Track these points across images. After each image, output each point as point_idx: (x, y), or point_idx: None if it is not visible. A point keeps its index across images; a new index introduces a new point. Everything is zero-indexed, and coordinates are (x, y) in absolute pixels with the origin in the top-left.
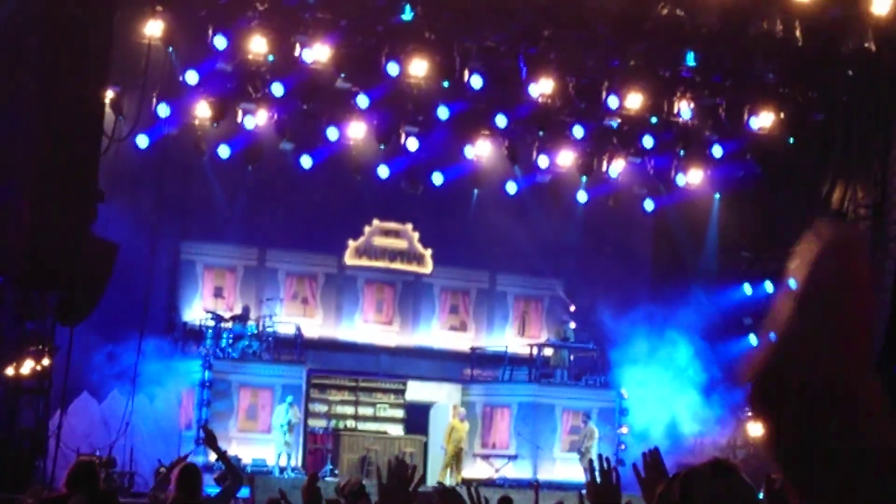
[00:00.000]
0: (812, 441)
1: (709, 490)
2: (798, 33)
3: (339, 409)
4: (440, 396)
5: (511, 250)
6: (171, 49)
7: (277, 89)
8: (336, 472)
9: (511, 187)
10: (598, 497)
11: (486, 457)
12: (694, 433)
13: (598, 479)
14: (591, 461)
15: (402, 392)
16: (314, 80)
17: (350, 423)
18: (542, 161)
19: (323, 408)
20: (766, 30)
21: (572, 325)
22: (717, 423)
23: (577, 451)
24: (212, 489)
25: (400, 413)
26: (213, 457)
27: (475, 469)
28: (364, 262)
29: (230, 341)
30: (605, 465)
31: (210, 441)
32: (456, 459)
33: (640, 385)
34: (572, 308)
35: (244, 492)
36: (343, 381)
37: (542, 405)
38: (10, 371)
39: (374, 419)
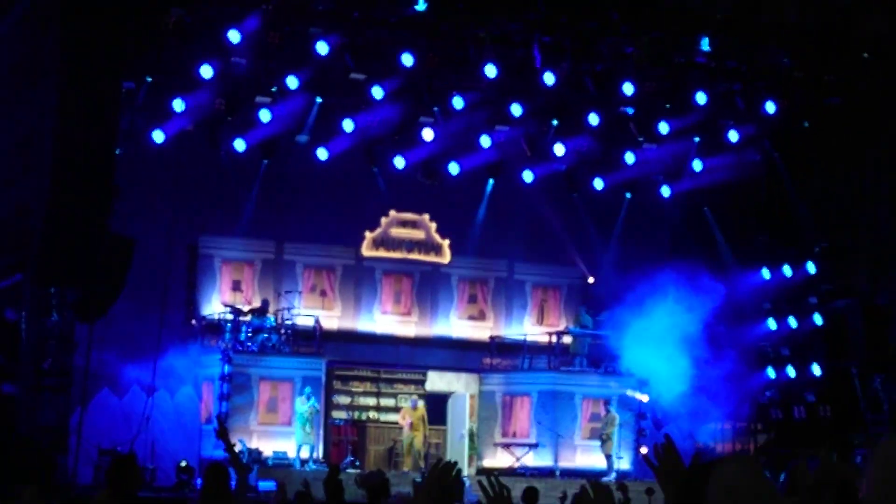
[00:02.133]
0: None
1: (730, 481)
2: (812, 17)
3: (362, 401)
4: (458, 386)
5: (528, 239)
6: (184, 44)
7: (292, 82)
8: (357, 463)
9: (527, 176)
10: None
11: (506, 446)
12: (714, 418)
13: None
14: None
15: (423, 382)
16: (328, 72)
17: (372, 415)
18: (558, 149)
19: (345, 399)
20: (780, 14)
21: (590, 313)
22: (738, 407)
23: (598, 437)
24: None
25: (420, 404)
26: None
27: (496, 458)
28: (381, 253)
29: (249, 335)
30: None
31: (222, 433)
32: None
33: (659, 371)
34: (591, 279)
35: (270, 484)
36: (365, 373)
37: (561, 393)
38: (29, 369)
39: (396, 410)
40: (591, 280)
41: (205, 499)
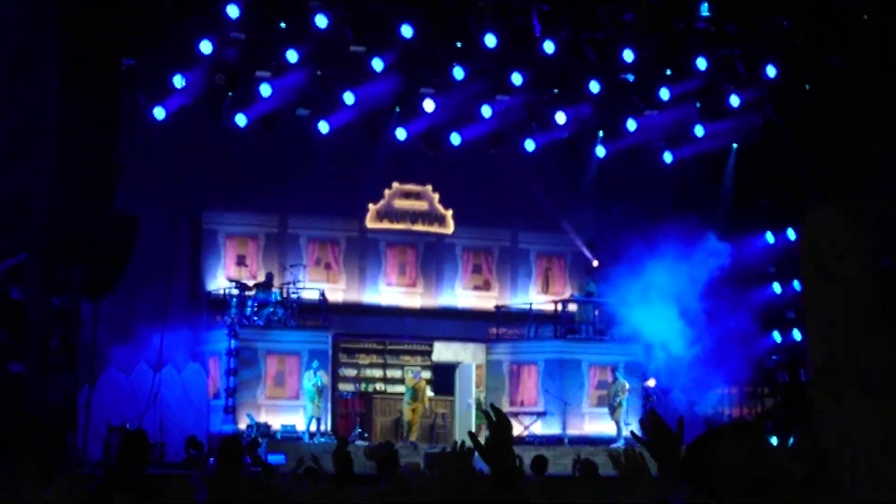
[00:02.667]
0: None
1: (731, 455)
2: None
3: (368, 373)
4: (465, 357)
5: (531, 208)
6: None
7: (292, 56)
8: (366, 435)
9: (529, 145)
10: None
11: (514, 414)
12: (721, 383)
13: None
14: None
15: (429, 353)
16: (328, 44)
17: (379, 387)
18: (560, 117)
19: (352, 372)
20: None
21: (595, 280)
22: (744, 371)
23: (608, 406)
24: None
25: (427, 375)
26: (242, 425)
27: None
28: (385, 224)
29: (255, 309)
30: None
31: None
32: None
33: (665, 336)
34: (595, 263)
35: (279, 458)
36: (371, 345)
37: (568, 361)
38: (36, 347)
39: (402, 381)
40: (595, 263)
41: (219, 474)
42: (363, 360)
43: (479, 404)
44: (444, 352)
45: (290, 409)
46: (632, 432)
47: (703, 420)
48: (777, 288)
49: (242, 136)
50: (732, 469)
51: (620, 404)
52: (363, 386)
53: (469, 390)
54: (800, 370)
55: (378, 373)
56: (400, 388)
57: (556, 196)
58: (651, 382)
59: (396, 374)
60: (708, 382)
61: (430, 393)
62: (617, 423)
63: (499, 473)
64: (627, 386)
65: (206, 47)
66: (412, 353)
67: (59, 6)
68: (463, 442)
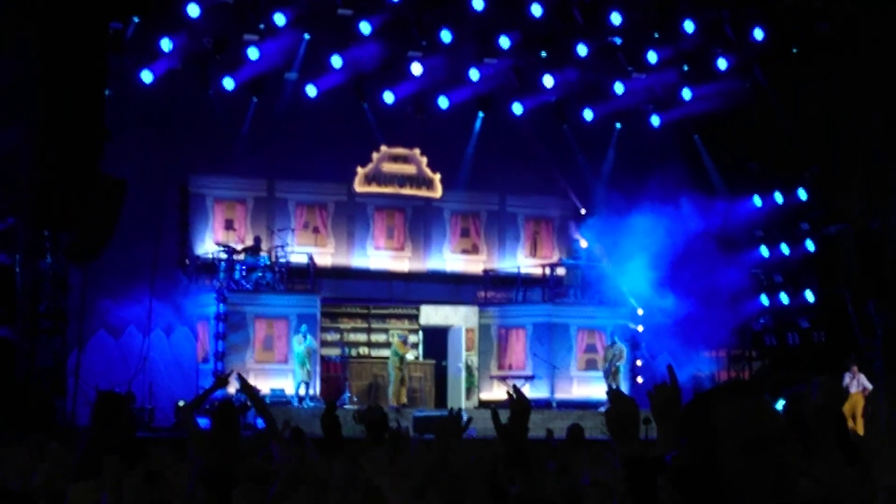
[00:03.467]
0: None
1: (729, 413)
2: None
3: (352, 337)
4: (456, 320)
5: (519, 171)
6: None
7: (279, 19)
8: (355, 399)
9: (517, 108)
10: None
11: (502, 378)
12: (709, 346)
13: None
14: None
15: (416, 317)
16: (315, 7)
17: (363, 351)
18: (547, 81)
19: (336, 336)
20: None
21: (584, 243)
22: (732, 335)
23: (603, 370)
24: None
25: (414, 338)
26: (232, 389)
27: (493, 391)
28: (374, 188)
29: (243, 273)
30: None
31: (247, 389)
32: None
33: (652, 300)
34: (583, 211)
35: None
36: (355, 309)
37: (556, 325)
38: (25, 312)
39: (387, 345)
40: (583, 212)
41: (216, 437)
42: (345, 324)
43: (468, 369)
44: (432, 315)
45: (278, 374)
46: (648, 392)
47: (690, 382)
48: (765, 251)
49: (230, 99)
50: (730, 428)
51: (618, 369)
52: (349, 350)
53: (460, 354)
54: (787, 333)
55: (362, 337)
56: (385, 353)
57: (544, 159)
58: (638, 363)
59: (381, 338)
60: (695, 345)
61: (410, 356)
62: (610, 388)
63: (513, 453)
64: (626, 351)
65: (193, 10)
66: (398, 317)
67: None
68: (459, 409)
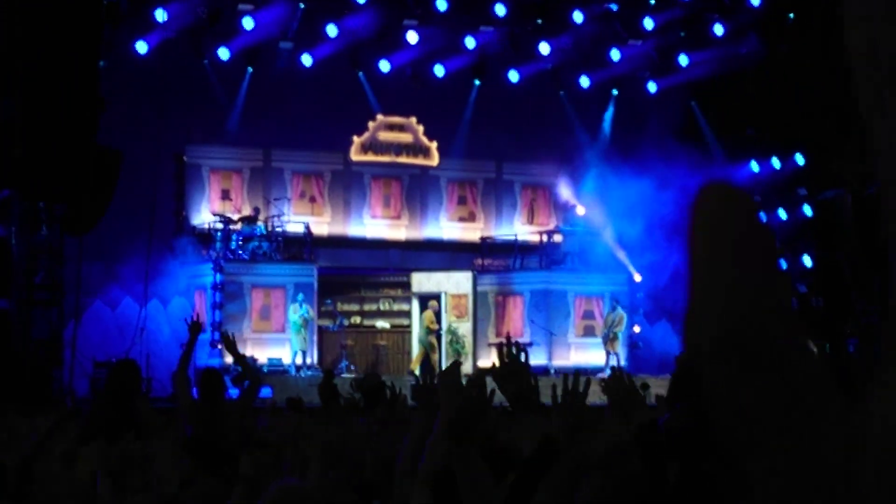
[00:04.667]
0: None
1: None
2: None
3: (347, 307)
4: (448, 286)
5: (516, 139)
6: None
7: None
8: (353, 367)
9: (513, 76)
10: (505, 377)
11: (500, 345)
12: None
13: (507, 360)
14: (500, 344)
15: (408, 285)
16: None
17: (356, 320)
18: (543, 48)
19: (331, 306)
20: None
21: (581, 210)
22: None
23: (602, 336)
24: (232, 391)
25: (406, 306)
26: (229, 359)
27: (490, 358)
28: (370, 157)
29: (240, 243)
30: (513, 347)
31: (228, 345)
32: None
33: (651, 266)
34: (578, 206)
35: (266, 391)
36: (348, 278)
37: (553, 292)
38: (21, 283)
39: (380, 314)
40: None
41: (202, 406)
42: (340, 293)
43: (454, 335)
44: (424, 282)
45: (276, 343)
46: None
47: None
48: (762, 216)
49: (225, 69)
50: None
51: (617, 336)
52: (345, 319)
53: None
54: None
55: (355, 306)
56: (378, 322)
57: (541, 127)
58: (636, 329)
59: (373, 307)
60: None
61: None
62: (608, 354)
63: (516, 398)
64: (625, 317)
65: None
66: (391, 285)
67: None
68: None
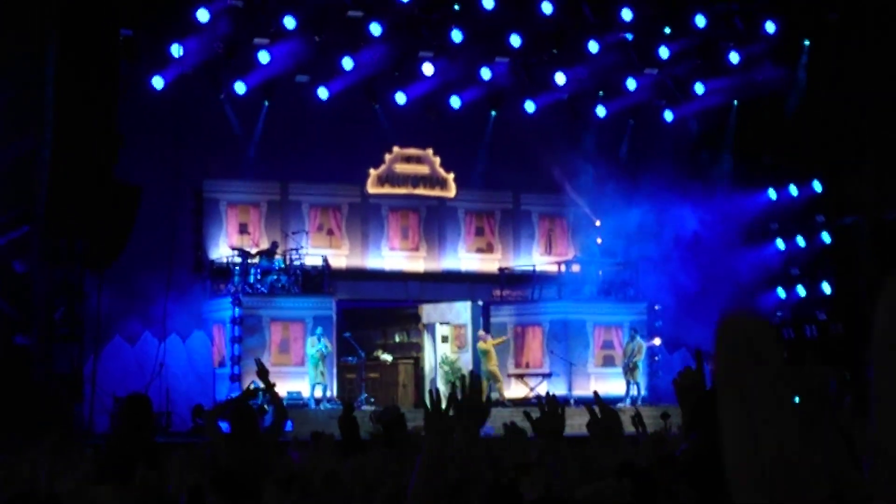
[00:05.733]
0: None
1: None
2: None
3: (366, 339)
4: (450, 317)
5: (533, 169)
6: None
7: (289, 22)
8: (372, 400)
9: (529, 106)
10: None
11: (520, 376)
12: None
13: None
14: (539, 399)
15: (418, 317)
16: (325, 10)
17: (375, 353)
18: (559, 78)
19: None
20: None
21: (598, 240)
22: None
23: (622, 365)
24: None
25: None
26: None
27: (511, 389)
28: (387, 189)
29: (258, 277)
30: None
31: (263, 375)
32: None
33: (669, 294)
34: (598, 223)
35: (287, 425)
36: (367, 311)
37: (572, 322)
38: (42, 319)
39: (398, 346)
40: (598, 223)
41: (234, 440)
42: (364, 325)
43: (449, 365)
44: (432, 314)
45: (295, 376)
46: (594, 392)
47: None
48: (780, 244)
49: (242, 103)
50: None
51: (637, 365)
52: (364, 352)
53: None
54: (805, 326)
55: (375, 339)
56: (398, 354)
57: (557, 157)
58: (657, 341)
59: (392, 339)
60: (712, 340)
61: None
62: (628, 384)
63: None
64: (644, 346)
65: (203, 15)
66: (405, 318)
67: None
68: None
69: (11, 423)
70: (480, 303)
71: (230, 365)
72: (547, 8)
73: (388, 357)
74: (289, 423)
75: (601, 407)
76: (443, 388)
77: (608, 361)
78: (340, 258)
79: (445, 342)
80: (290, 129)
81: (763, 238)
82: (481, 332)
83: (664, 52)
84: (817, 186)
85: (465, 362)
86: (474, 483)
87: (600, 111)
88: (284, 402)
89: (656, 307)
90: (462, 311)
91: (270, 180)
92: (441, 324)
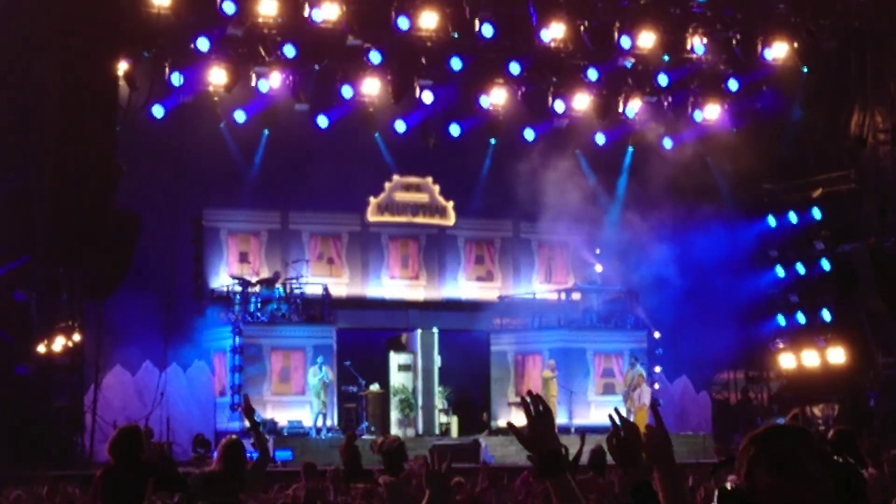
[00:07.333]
0: None
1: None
2: None
3: (366, 367)
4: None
5: (532, 197)
6: (180, 17)
7: (289, 51)
8: (373, 429)
9: (528, 134)
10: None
11: (519, 404)
12: (726, 367)
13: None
14: (524, 402)
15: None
16: (325, 39)
17: (376, 381)
18: (558, 106)
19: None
20: None
21: (598, 268)
22: (749, 356)
23: (623, 393)
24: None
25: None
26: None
27: (511, 418)
28: (387, 217)
29: (258, 305)
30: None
31: (247, 410)
32: None
33: (669, 322)
34: (598, 251)
35: (286, 454)
36: (368, 340)
37: (573, 350)
38: (42, 349)
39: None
40: (598, 251)
41: (219, 475)
42: (365, 353)
43: (403, 395)
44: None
45: (296, 405)
46: (609, 415)
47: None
48: (780, 271)
49: (242, 132)
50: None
51: (640, 394)
52: (365, 382)
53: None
54: (804, 353)
55: (375, 367)
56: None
57: (557, 185)
58: (657, 369)
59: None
60: (713, 366)
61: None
62: (629, 412)
63: (540, 459)
64: (645, 374)
65: (203, 44)
66: (396, 346)
67: (55, 8)
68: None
69: (11, 453)
70: (435, 330)
71: (230, 394)
72: (546, 36)
73: (375, 387)
74: (289, 453)
75: (623, 422)
76: (395, 416)
77: (608, 389)
78: (341, 287)
79: (404, 371)
80: (289, 157)
81: (763, 265)
82: (550, 362)
83: (663, 80)
84: (817, 213)
85: (417, 390)
86: None
87: (599, 139)
88: (285, 432)
89: (656, 335)
90: (417, 338)
91: (270, 209)
92: (395, 352)
